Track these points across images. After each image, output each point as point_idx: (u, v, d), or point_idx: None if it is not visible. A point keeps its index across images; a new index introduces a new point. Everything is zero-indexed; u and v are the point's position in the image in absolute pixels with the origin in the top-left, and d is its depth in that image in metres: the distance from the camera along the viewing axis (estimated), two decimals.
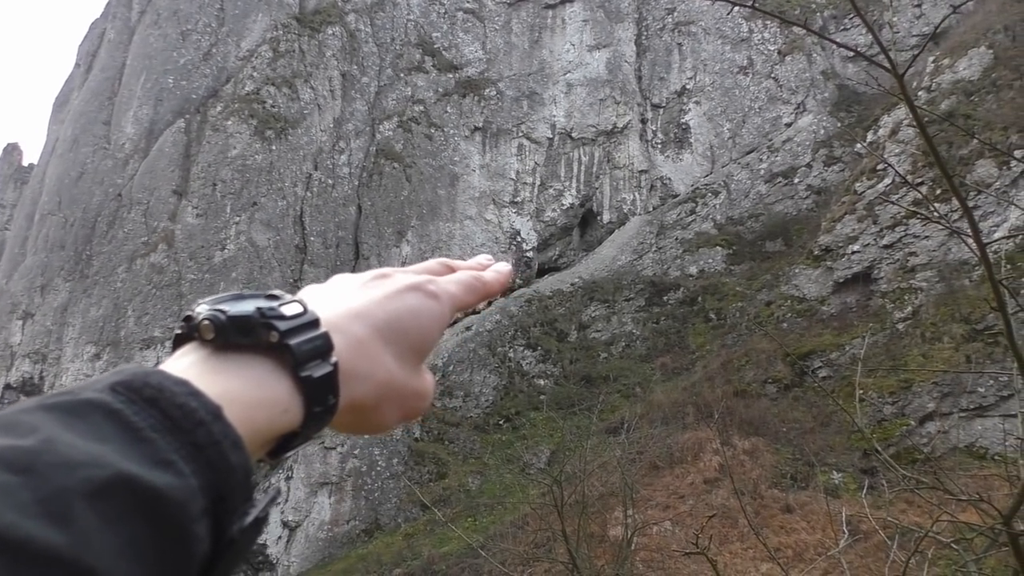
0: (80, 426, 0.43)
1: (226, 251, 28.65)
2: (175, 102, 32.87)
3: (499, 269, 0.79)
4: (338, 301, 0.65)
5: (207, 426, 0.47)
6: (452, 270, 0.77)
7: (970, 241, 2.38)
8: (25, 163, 46.87)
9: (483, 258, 0.81)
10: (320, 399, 0.57)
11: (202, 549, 0.45)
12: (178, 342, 0.57)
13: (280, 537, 25.57)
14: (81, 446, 0.42)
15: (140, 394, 0.46)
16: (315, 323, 0.59)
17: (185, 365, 0.55)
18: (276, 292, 0.61)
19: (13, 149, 48.15)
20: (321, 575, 23.06)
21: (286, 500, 26.05)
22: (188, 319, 0.57)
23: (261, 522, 0.49)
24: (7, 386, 29.33)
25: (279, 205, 30.32)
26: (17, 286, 31.69)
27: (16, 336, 30.49)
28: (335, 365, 0.58)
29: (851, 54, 36.50)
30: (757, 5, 2.14)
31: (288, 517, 25.77)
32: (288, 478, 26.44)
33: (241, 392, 0.54)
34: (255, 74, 33.11)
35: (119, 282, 28.82)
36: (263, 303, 0.58)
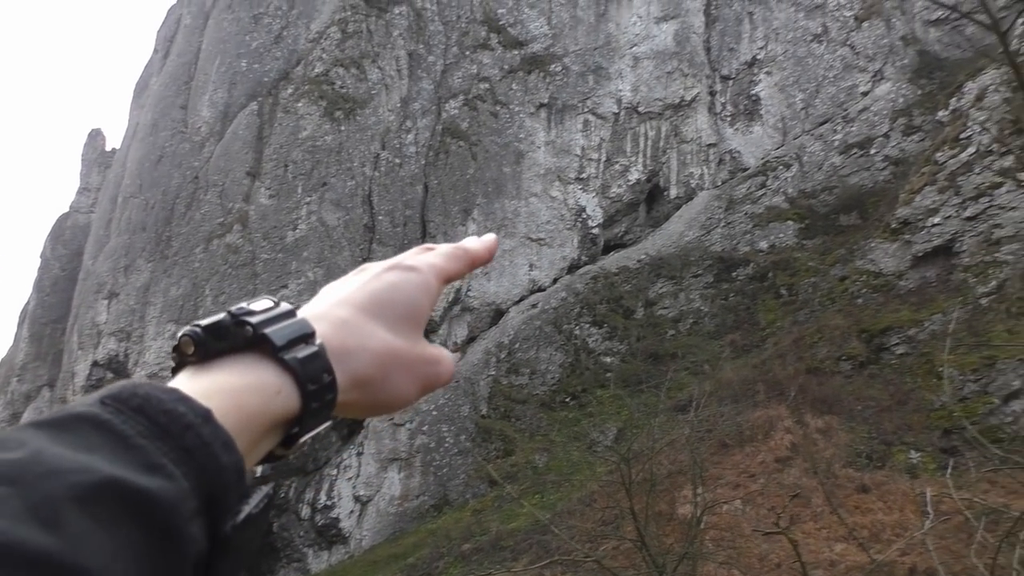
0: (69, 438, 0.46)
1: (298, 231, 29.28)
2: (248, 85, 33.60)
3: (483, 239, 0.83)
4: (321, 300, 0.70)
5: (195, 429, 0.49)
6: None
7: None
8: (108, 148, 48.61)
9: (470, 239, 0.84)
10: (311, 376, 0.60)
11: (197, 549, 0.47)
12: (175, 374, 0.60)
13: (352, 511, 26.25)
14: (69, 456, 0.44)
15: (128, 404, 0.49)
16: (289, 313, 0.63)
17: (176, 381, 0.58)
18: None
19: (97, 135, 49.97)
20: (392, 549, 23.58)
21: (357, 475, 26.70)
22: (174, 349, 0.61)
23: (256, 519, 0.52)
24: (95, 363, 30.71)
25: (348, 185, 30.79)
26: (103, 267, 33.06)
27: (103, 315, 31.84)
28: (320, 346, 0.62)
29: (934, 17, 34.88)
30: None
31: (360, 492, 26.42)
32: (359, 453, 27.07)
33: (226, 382, 0.57)
34: (324, 56, 33.56)
35: (197, 262, 29.78)
36: (235, 308, 0.62)
